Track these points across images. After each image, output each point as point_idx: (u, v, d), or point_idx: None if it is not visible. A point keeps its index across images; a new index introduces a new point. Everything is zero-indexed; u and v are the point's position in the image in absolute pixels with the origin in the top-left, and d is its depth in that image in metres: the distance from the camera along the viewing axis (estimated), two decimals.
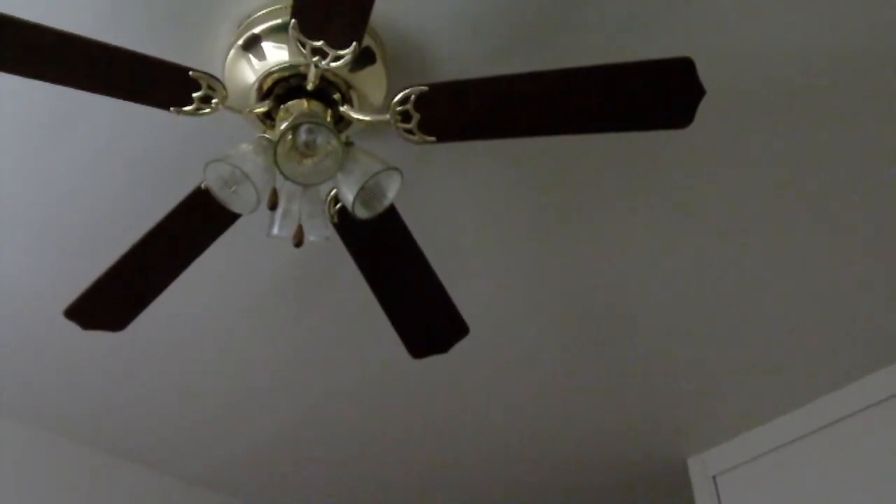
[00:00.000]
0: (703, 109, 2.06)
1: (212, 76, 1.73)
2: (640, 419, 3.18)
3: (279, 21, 1.83)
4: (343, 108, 1.86)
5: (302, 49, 1.68)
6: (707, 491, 3.28)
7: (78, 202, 2.30)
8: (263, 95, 1.87)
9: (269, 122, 1.89)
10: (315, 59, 1.70)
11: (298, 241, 1.78)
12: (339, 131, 1.84)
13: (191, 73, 1.71)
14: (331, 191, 1.96)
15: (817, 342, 2.84)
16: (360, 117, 1.86)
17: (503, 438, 3.28)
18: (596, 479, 3.53)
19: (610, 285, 2.62)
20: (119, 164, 2.20)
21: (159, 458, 3.30)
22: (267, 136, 1.81)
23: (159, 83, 1.72)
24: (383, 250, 2.04)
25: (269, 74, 1.84)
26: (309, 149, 1.77)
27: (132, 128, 2.11)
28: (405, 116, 1.78)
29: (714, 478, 3.29)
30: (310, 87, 1.81)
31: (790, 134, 2.17)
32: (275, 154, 1.74)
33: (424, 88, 1.74)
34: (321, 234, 1.86)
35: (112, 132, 2.12)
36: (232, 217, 1.93)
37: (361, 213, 1.81)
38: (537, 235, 2.45)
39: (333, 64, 1.71)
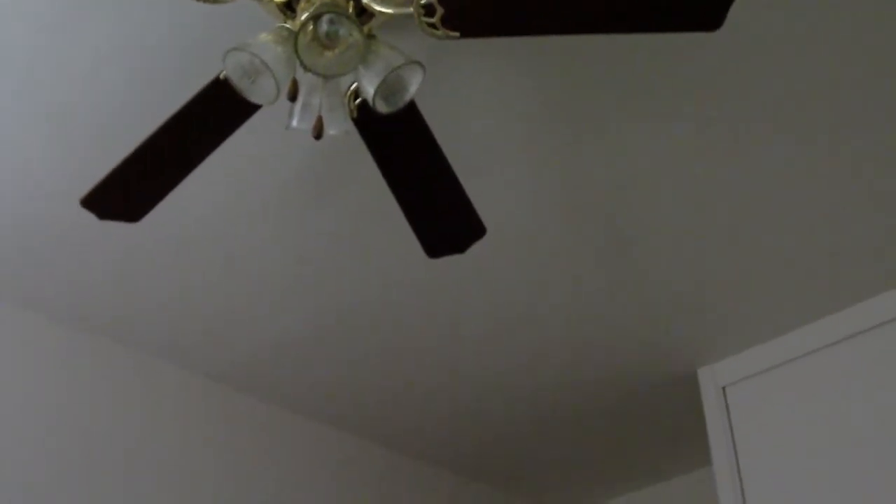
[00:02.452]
0: (729, 17, 2.04)
1: None
2: (653, 330, 3.19)
3: None
4: (366, 0, 1.82)
5: None
6: (716, 401, 3.31)
7: (95, 92, 2.28)
8: None
9: (289, 12, 1.85)
10: None
11: (318, 133, 1.76)
12: (362, 24, 1.80)
13: None
14: (351, 85, 1.93)
15: (832, 258, 2.83)
16: (383, 10, 1.82)
17: (511, 348, 3.30)
18: (607, 388, 3.55)
19: (625, 192, 2.60)
20: (138, 52, 2.17)
21: (175, 353, 3.33)
22: (287, 26, 1.78)
23: None
24: (402, 147, 2.01)
25: None
26: (330, 40, 1.74)
27: (151, 15, 2.08)
28: (429, 10, 1.75)
29: (724, 388, 3.32)
30: None
31: (813, 46, 2.13)
32: (295, 44, 1.71)
33: None
34: (341, 127, 1.84)
35: (131, 20, 2.09)
36: (251, 108, 1.91)
37: (382, 107, 1.79)
38: (558, 137, 2.42)
39: None
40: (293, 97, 1.72)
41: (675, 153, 2.47)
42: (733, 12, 2.07)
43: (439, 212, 2.17)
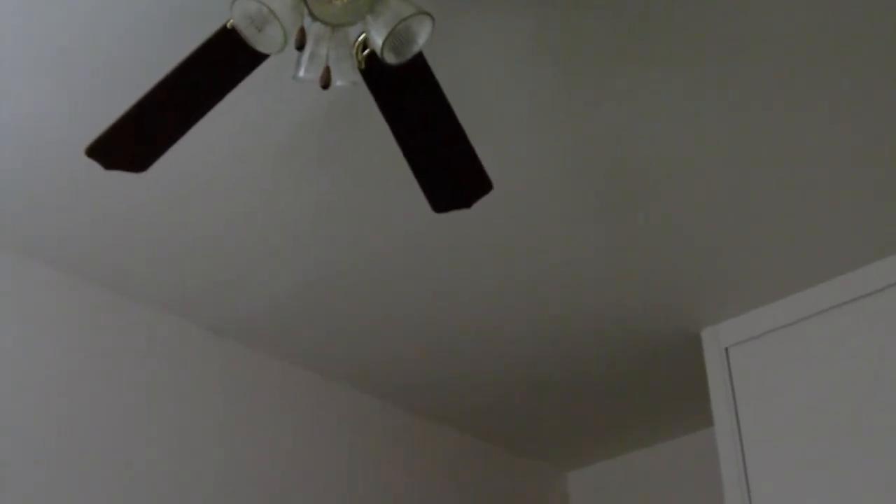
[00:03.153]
0: None
1: None
2: (656, 290, 3.19)
3: None
4: None
5: None
6: (719, 362, 3.32)
7: (99, 39, 2.26)
8: None
9: None
10: None
11: (325, 83, 1.75)
12: None
13: None
14: (359, 35, 1.91)
15: (838, 220, 2.82)
16: None
17: (514, 307, 3.30)
18: (610, 348, 3.56)
19: (634, 151, 2.58)
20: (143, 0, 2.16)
21: (181, 305, 3.33)
22: None
23: None
24: (410, 99, 2.00)
25: None
26: None
27: None
28: None
29: (726, 349, 3.32)
30: None
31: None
32: None
33: None
34: (348, 78, 1.82)
35: None
36: (258, 58, 1.90)
37: (390, 58, 1.77)
38: (567, 94, 2.41)
39: None
40: (301, 46, 1.70)
41: (679, 113, 2.45)
42: None
43: (446, 166, 2.15)
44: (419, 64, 1.93)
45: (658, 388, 3.85)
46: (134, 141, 2.08)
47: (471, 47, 2.27)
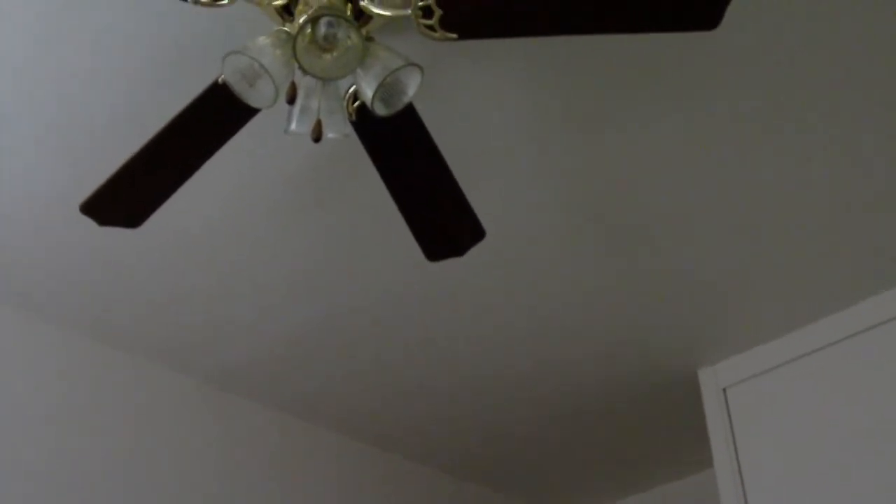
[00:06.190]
0: (732, 11, 2.04)
1: None
2: (653, 331, 3.19)
3: None
4: (363, 3, 1.82)
5: None
6: (717, 402, 3.30)
7: (93, 97, 2.28)
8: None
9: (287, 16, 1.86)
10: None
11: (317, 136, 1.76)
12: (360, 26, 1.81)
13: None
14: (350, 87, 1.94)
15: (833, 258, 2.82)
16: (381, 12, 1.82)
17: (512, 350, 3.30)
18: (607, 390, 3.55)
19: (625, 194, 2.60)
20: (134, 57, 2.17)
21: (174, 358, 3.33)
22: (286, 29, 1.78)
23: None
24: (401, 149, 2.01)
25: None
26: (328, 43, 1.74)
27: (148, 19, 2.08)
28: (426, 12, 1.75)
29: (724, 390, 3.32)
30: None
31: (823, 34, 2.13)
32: (294, 47, 1.72)
33: None
34: (340, 130, 1.84)
35: (127, 24, 2.09)
36: (250, 112, 1.91)
37: (380, 109, 1.79)
38: (560, 138, 2.42)
39: None
40: (292, 100, 1.72)
41: (673, 156, 2.47)
42: (735, 12, 2.07)
43: (438, 215, 2.17)
44: (409, 114, 1.94)
45: (656, 430, 3.83)
46: (128, 197, 2.09)
47: (463, 94, 2.29)
